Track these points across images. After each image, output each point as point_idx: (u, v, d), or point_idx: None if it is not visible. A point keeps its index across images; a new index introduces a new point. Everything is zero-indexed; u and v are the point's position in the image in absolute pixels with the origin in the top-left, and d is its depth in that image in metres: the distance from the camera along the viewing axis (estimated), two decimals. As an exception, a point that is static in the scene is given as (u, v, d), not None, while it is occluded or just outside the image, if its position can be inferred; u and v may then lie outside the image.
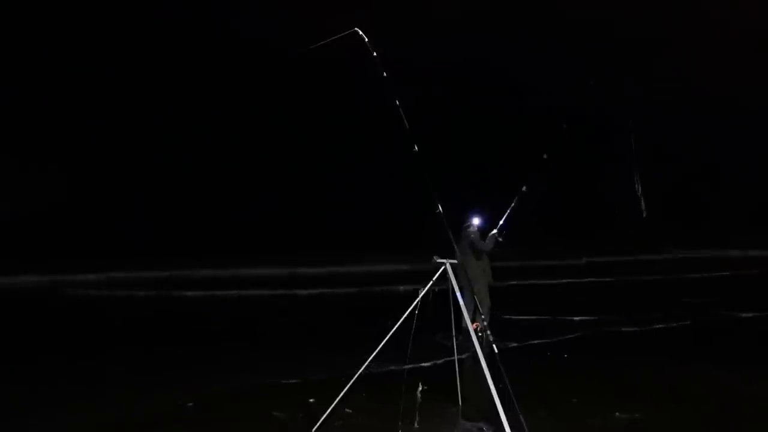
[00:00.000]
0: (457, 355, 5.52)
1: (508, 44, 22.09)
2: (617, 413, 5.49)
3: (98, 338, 8.86)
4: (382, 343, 4.81)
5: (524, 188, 8.03)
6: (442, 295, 5.15)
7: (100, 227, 18.95)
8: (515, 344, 8.29)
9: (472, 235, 8.37)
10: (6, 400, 5.88)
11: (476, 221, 8.46)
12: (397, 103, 4.71)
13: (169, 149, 21.15)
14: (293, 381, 6.47)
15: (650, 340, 8.83)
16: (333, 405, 4.91)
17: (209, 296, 12.67)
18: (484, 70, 22.82)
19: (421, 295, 4.94)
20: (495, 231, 8.33)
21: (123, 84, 20.98)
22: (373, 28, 4.86)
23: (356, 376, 4.82)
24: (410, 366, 5.05)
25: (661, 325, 9.57)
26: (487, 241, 8.34)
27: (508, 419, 4.08)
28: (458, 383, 5.56)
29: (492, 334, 7.82)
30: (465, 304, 5.03)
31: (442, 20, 21.74)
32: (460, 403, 5.55)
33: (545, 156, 7.91)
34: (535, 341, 8.48)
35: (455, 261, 5.04)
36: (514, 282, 14.02)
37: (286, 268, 16.39)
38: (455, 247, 4.93)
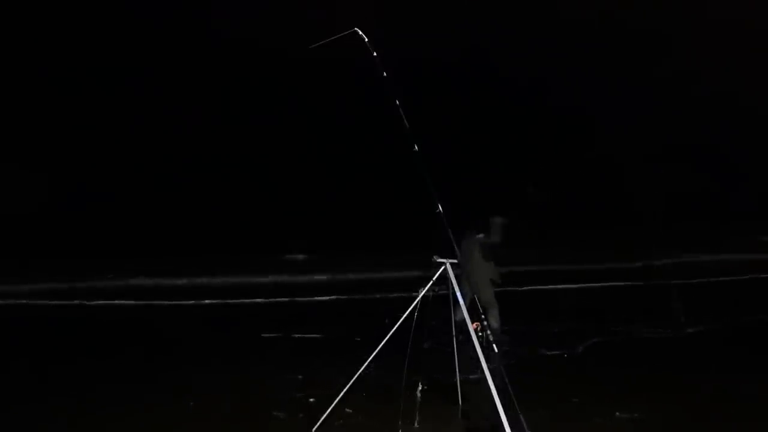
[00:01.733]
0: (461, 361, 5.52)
1: (507, 44, 22.10)
2: (617, 413, 5.50)
3: (88, 345, 8.64)
4: (382, 344, 4.81)
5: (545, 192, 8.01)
6: (442, 295, 5.15)
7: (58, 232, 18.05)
8: (545, 351, 8.00)
9: (479, 243, 8.27)
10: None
11: (479, 236, 8.36)
12: (397, 103, 4.71)
13: (168, 150, 21.07)
14: (293, 381, 6.47)
15: (672, 345, 8.64)
16: (333, 405, 4.92)
17: (207, 304, 12.63)
18: (483, 69, 22.82)
19: (420, 296, 4.94)
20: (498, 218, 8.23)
21: (118, 84, 20.89)
22: (373, 27, 4.86)
23: (356, 376, 4.83)
24: (410, 366, 5.05)
25: (691, 330, 9.33)
26: (491, 236, 8.24)
27: (508, 419, 4.08)
28: (458, 383, 5.56)
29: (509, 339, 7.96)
30: (465, 304, 5.03)
31: (440, 19, 21.76)
32: (460, 402, 5.55)
33: (531, 189, 7.96)
34: (554, 349, 8.12)
35: (455, 261, 5.04)
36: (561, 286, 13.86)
37: (285, 274, 16.26)
38: (456, 249, 4.91)
